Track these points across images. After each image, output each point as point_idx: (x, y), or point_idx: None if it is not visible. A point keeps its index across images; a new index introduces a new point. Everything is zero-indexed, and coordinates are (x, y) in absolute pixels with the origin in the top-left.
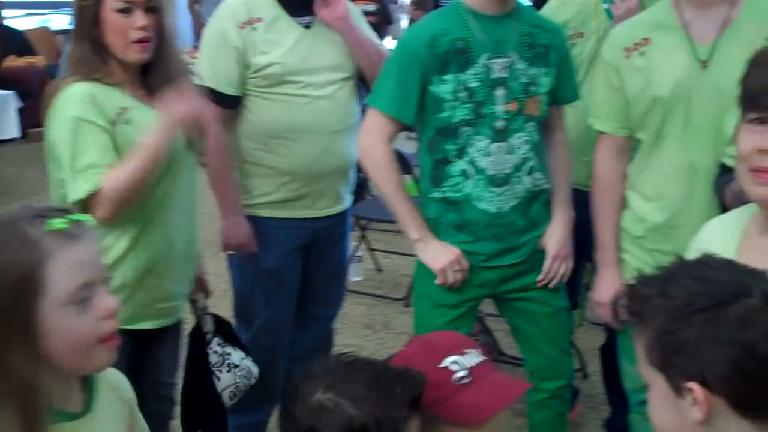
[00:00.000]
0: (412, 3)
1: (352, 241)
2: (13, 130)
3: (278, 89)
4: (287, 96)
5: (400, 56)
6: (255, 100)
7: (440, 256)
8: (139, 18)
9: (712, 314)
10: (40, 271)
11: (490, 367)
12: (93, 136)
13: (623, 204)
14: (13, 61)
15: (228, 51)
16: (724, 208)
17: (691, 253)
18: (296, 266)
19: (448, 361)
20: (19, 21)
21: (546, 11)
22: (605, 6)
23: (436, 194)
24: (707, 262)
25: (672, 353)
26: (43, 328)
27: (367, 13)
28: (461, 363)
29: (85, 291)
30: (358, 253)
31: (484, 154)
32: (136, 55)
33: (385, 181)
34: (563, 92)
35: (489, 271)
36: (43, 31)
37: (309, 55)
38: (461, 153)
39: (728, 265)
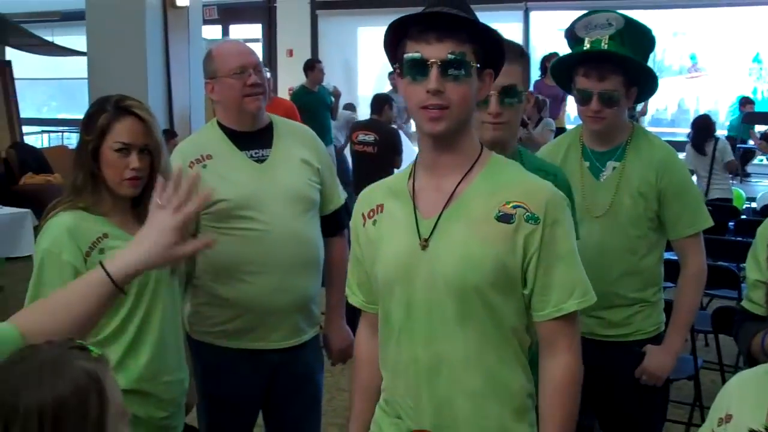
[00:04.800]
0: None
1: None
2: (28, 247)
3: (228, 224)
4: (238, 230)
5: None
6: (207, 234)
7: None
8: (134, 160)
9: None
10: (105, 393)
11: None
12: (57, 271)
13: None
14: (30, 179)
15: None
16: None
17: (720, 408)
18: (252, 398)
19: None
20: (36, 139)
21: (542, 153)
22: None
23: None
24: None
25: None
26: None
27: (365, 143)
28: None
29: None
30: None
31: None
32: (127, 190)
33: None
34: None
35: None
36: (61, 149)
37: (259, 188)
38: None
39: None
